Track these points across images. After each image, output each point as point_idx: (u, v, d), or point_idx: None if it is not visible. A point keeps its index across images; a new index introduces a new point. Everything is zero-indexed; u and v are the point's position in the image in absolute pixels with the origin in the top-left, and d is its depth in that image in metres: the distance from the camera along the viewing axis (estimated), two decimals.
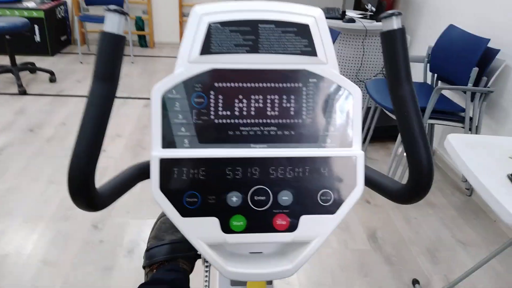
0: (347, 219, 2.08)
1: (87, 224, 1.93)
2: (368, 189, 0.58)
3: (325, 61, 0.53)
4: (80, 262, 1.70)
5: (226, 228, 0.52)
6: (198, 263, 0.91)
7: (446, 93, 2.43)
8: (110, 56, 0.48)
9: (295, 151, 0.53)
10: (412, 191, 0.53)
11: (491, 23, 2.20)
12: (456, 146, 1.18)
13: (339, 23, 2.85)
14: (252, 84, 0.52)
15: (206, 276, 0.89)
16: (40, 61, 4.04)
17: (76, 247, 1.79)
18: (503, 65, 2.02)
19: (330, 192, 0.53)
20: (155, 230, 0.93)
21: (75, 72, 3.96)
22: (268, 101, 0.53)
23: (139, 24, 4.72)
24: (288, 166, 0.53)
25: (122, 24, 0.48)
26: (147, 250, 0.87)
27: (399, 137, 2.11)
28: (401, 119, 0.52)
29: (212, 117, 0.52)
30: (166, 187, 0.51)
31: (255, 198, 0.52)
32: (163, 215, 0.95)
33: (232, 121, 0.52)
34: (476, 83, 2.04)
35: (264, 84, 0.52)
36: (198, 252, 0.88)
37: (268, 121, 0.53)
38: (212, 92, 0.52)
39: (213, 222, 0.52)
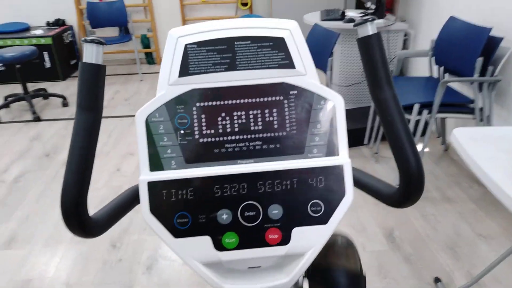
0: (362, 221, 2.06)
1: (106, 244, 1.96)
2: None
3: (304, 72, 0.53)
4: (101, 282, 1.73)
5: (219, 246, 0.53)
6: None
7: (454, 85, 2.40)
8: (91, 86, 0.50)
9: (282, 164, 0.53)
10: (404, 195, 0.52)
11: (492, 11, 2.16)
12: (462, 140, 1.16)
13: (339, 24, 2.84)
14: (233, 101, 0.53)
15: None
16: (52, 87, 4.15)
17: (96, 267, 1.82)
18: (508, 53, 1.98)
19: (320, 202, 0.53)
20: None
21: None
22: (251, 116, 0.53)
23: (145, 42, 4.80)
24: (276, 180, 0.53)
25: (100, 54, 0.50)
26: None
27: None
28: (385, 123, 0.51)
29: (196, 136, 0.53)
30: (156, 210, 0.52)
31: (245, 214, 0.53)
32: None
33: (217, 139, 0.53)
34: (482, 73, 2.01)
35: (245, 100, 0.53)
36: None
37: (253, 136, 0.53)
38: (194, 112, 0.53)
39: (205, 241, 0.53)
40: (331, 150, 0.54)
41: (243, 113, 0.53)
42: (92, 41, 0.49)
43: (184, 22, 4.80)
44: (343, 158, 0.54)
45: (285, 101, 0.53)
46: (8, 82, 4.27)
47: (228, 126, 0.53)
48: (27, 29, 4.41)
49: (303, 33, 0.53)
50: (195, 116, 0.53)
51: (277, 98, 0.53)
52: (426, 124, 2.15)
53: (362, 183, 0.58)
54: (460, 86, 2.41)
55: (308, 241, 0.53)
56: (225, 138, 0.53)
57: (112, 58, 4.92)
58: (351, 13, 3.07)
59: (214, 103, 0.53)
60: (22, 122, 3.42)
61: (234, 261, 0.55)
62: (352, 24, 2.83)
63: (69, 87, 4.24)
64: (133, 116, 3.47)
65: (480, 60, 1.97)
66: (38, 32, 4.29)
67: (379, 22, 2.89)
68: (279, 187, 0.53)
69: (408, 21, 3.07)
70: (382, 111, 0.51)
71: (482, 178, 1.05)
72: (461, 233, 1.94)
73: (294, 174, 0.53)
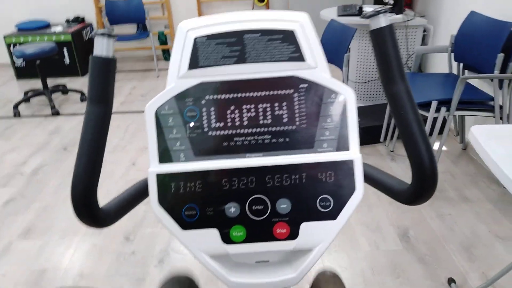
0: (376, 219, 2.03)
1: (120, 236, 1.98)
2: None
3: (314, 65, 0.52)
4: (114, 274, 1.75)
5: (227, 239, 0.53)
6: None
7: (474, 82, 2.34)
8: (101, 79, 0.50)
9: (291, 158, 0.53)
10: (416, 192, 0.51)
11: None
12: (480, 138, 1.13)
13: (356, 20, 2.81)
14: (243, 94, 0.53)
15: None
16: (71, 82, 4.22)
17: (110, 259, 1.84)
18: None
19: (329, 197, 0.52)
20: None
21: None
22: (260, 109, 0.53)
23: (162, 39, 4.83)
24: (284, 174, 0.52)
25: (111, 47, 0.50)
26: None
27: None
28: (398, 118, 0.50)
29: (205, 129, 0.53)
30: (165, 201, 0.52)
31: (253, 207, 0.52)
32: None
33: (226, 132, 0.53)
34: (503, 70, 1.95)
35: (255, 93, 0.53)
36: None
37: (262, 129, 0.53)
38: (203, 105, 0.52)
39: (213, 234, 0.52)
40: (341, 145, 0.53)
41: (252, 106, 0.53)
42: (103, 34, 0.49)
43: None
44: (354, 153, 0.53)
45: (295, 95, 0.53)
46: (29, 78, 4.36)
47: (237, 119, 0.53)
48: (47, 26, 4.50)
49: (319, 29, 0.53)
50: (204, 109, 0.52)
51: (287, 91, 0.52)
52: (444, 122, 2.11)
53: (373, 179, 0.57)
54: (479, 83, 2.35)
55: (317, 236, 0.53)
56: (234, 132, 0.53)
57: (129, 54, 4.97)
58: (369, 8, 3.03)
59: (223, 96, 0.53)
60: (42, 116, 3.49)
61: (242, 254, 0.55)
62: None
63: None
64: None
65: (501, 56, 1.92)
66: (58, 29, 4.36)
67: (398, 17, 2.85)
68: (288, 181, 0.52)
69: (427, 16, 3.01)
70: (395, 106, 0.50)
71: (500, 177, 1.02)
72: (477, 234, 1.90)
73: (303, 169, 0.52)
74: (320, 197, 0.52)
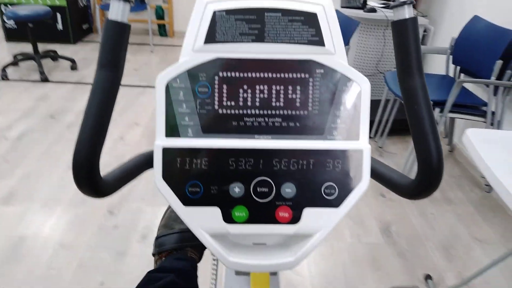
0: (360, 213, 2.06)
1: (103, 210, 1.97)
2: None
3: (333, 51, 0.51)
4: (95, 246, 1.74)
5: (228, 219, 0.52)
6: (207, 252, 0.92)
7: (469, 86, 2.36)
8: (114, 44, 0.48)
9: (300, 143, 0.52)
10: (421, 186, 0.51)
11: None
12: (474, 141, 1.15)
13: (359, 13, 2.79)
14: (257, 74, 0.52)
15: (214, 265, 0.89)
16: (62, 49, 4.11)
17: (92, 231, 1.83)
18: None
19: (334, 185, 0.52)
20: (165, 218, 0.94)
21: (96, 60, 4.01)
22: (274, 91, 0.52)
23: (159, 13, 4.74)
24: (292, 158, 0.52)
25: (126, 12, 0.48)
26: (157, 238, 0.88)
27: None
28: (411, 112, 0.50)
29: (216, 107, 0.51)
30: (168, 176, 0.51)
31: (258, 189, 0.52)
32: None
33: (236, 111, 0.52)
34: (499, 77, 1.98)
35: (270, 74, 0.52)
36: None
37: (273, 112, 0.52)
38: (216, 82, 0.51)
39: (215, 212, 0.52)
40: (351, 134, 0.52)
41: (266, 87, 0.52)
42: None
43: None
44: (363, 143, 0.53)
45: (310, 80, 0.52)
46: (19, 41, 4.24)
47: (249, 99, 0.52)
48: None
49: None
50: (216, 86, 0.51)
51: (303, 75, 0.52)
52: (436, 123, 2.13)
53: (376, 171, 0.57)
54: (474, 87, 2.38)
55: (318, 222, 0.53)
56: (244, 111, 0.52)
57: None
58: (373, 2, 3.01)
59: (237, 74, 0.51)
60: (30, 81, 3.41)
61: (241, 235, 0.55)
62: (373, 14, 2.78)
63: (79, 51, 4.20)
64: (142, 86, 3.45)
65: (499, 63, 1.94)
66: None
67: None
68: (295, 166, 0.52)
69: (429, 16, 3.01)
70: (409, 99, 0.50)
71: (491, 180, 1.04)
72: (457, 235, 1.95)
73: (311, 155, 0.52)
74: (325, 184, 0.52)
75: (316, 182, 0.52)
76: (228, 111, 0.52)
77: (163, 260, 0.84)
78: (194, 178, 0.51)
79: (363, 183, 0.52)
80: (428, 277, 1.67)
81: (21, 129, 2.64)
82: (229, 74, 0.51)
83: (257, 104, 0.52)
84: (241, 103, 0.52)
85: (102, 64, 0.48)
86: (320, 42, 0.51)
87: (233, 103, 0.52)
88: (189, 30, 0.51)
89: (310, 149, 0.52)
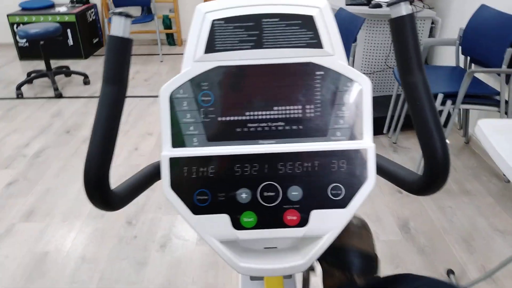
0: (377, 210, 2.04)
1: (122, 221, 1.99)
2: None
3: (332, 53, 0.52)
4: (116, 258, 1.77)
5: (237, 225, 0.53)
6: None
7: (480, 76, 2.33)
8: (117, 59, 0.50)
9: (304, 145, 0.53)
10: (428, 182, 0.51)
11: None
12: (486, 132, 1.13)
13: (365, 9, 2.78)
14: (258, 80, 0.52)
15: None
16: (74, 64, 4.19)
17: (112, 243, 1.86)
18: None
19: (340, 186, 0.52)
20: None
21: None
22: (275, 96, 0.52)
23: (167, 23, 4.79)
24: (297, 161, 0.52)
25: (127, 27, 0.50)
26: None
27: None
28: (413, 108, 0.50)
29: (219, 115, 0.52)
30: (177, 186, 0.52)
31: (265, 194, 0.52)
32: None
33: (240, 118, 0.53)
34: (510, 65, 1.94)
35: (270, 79, 0.52)
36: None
37: (276, 116, 0.53)
38: (218, 90, 0.52)
39: (224, 219, 0.53)
40: (355, 134, 0.53)
41: (267, 92, 0.52)
42: (120, 14, 0.48)
43: None
44: (367, 142, 0.53)
45: (311, 82, 0.52)
46: (32, 59, 4.34)
47: (251, 105, 0.52)
48: (52, 6, 4.45)
49: None
50: (219, 94, 0.52)
51: (303, 78, 0.52)
52: (449, 115, 2.10)
53: (383, 169, 0.57)
54: (485, 77, 2.34)
55: (327, 224, 0.53)
56: (247, 118, 0.53)
57: (133, 38, 4.92)
58: None
59: (238, 81, 0.52)
60: (44, 98, 3.48)
61: (251, 240, 0.55)
62: (379, 9, 2.76)
63: (91, 66, 4.28)
64: (153, 96, 3.49)
65: (509, 51, 1.90)
66: (62, 9, 4.32)
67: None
68: (300, 169, 0.52)
69: (436, 8, 2.98)
70: (411, 96, 0.50)
71: (505, 170, 1.02)
72: (477, 227, 1.91)
73: (315, 157, 0.52)
74: (331, 185, 0.52)
75: (322, 184, 0.52)
76: (232, 118, 0.53)
77: None
78: (202, 186, 0.52)
79: (369, 182, 0.53)
80: (450, 271, 1.65)
81: (38, 146, 2.70)
82: (230, 81, 0.52)
83: (260, 109, 0.53)
84: (244, 110, 0.52)
85: (107, 79, 0.50)
86: (319, 44, 0.52)
87: (236, 110, 0.52)
88: (189, 40, 0.52)
89: (314, 151, 0.52)
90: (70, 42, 4.36)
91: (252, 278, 0.70)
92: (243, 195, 0.52)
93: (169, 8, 4.79)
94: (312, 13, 0.51)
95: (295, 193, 0.52)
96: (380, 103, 2.77)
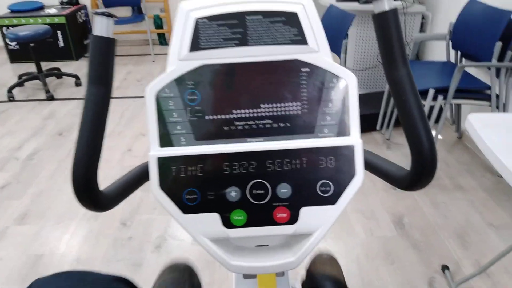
0: (372, 207, 2.05)
1: (116, 222, 1.99)
2: None
3: (317, 49, 0.52)
4: (111, 259, 1.76)
5: (227, 223, 0.53)
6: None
7: (471, 70, 2.34)
8: (101, 59, 0.49)
9: (292, 143, 0.52)
10: (416, 177, 0.51)
11: None
12: (477, 126, 1.14)
13: (355, 6, 2.78)
14: (244, 78, 0.52)
15: None
16: (65, 66, 4.17)
17: (107, 244, 1.85)
18: None
19: (329, 182, 0.52)
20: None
21: None
22: (262, 93, 0.52)
23: (158, 23, 4.77)
24: (285, 159, 0.52)
25: (110, 27, 0.49)
26: None
27: None
28: (399, 104, 0.50)
29: (206, 113, 0.52)
30: (165, 185, 0.52)
31: (254, 192, 0.52)
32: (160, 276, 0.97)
33: (227, 116, 0.52)
34: (500, 59, 1.95)
35: (256, 77, 0.52)
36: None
37: (263, 114, 0.53)
38: (204, 88, 0.52)
39: (214, 218, 0.53)
40: (342, 130, 0.53)
41: (253, 90, 0.52)
42: (102, 14, 0.48)
43: None
44: (355, 138, 0.53)
45: (297, 79, 0.52)
46: (22, 61, 4.31)
47: (238, 103, 0.52)
48: (41, 8, 4.41)
49: (319, 15, 0.52)
50: (205, 92, 0.52)
51: (289, 75, 0.52)
52: (441, 110, 2.11)
53: (372, 165, 0.57)
54: (476, 71, 2.36)
55: (316, 221, 0.53)
56: (235, 116, 0.52)
57: (124, 38, 4.91)
58: None
59: (224, 79, 0.52)
60: (36, 100, 3.46)
61: (242, 238, 0.55)
62: (369, 5, 2.77)
63: (82, 67, 4.25)
64: None
65: (499, 45, 1.92)
66: (52, 11, 4.29)
67: (397, 3, 2.81)
68: (289, 166, 0.52)
69: (427, 3, 2.99)
70: (396, 91, 0.50)
71: (496, 165, 1.03)
72: (471, 222, 1.92)
73: (303, 154, 0.52)
74: (320, 182, 0.52)
75: (310, 181, 0.52)
76: (219, 117, 0.52)
77: None
78: (191, 185, 0.52)
79: (358, 178, 0.53)
80: (445, 267, 1.65)
81: (31, 149, 2.68)
82: (216, 79, 0.52)
83: (246, 107, 0.52)
84: (231, 108, 0.52)
85: (91, 80, 0.49)
86: (303, 41, 0.51)
87: (223, 109, 0.52)
88: (174, 39, 0.52)
89: (302, 148, 0.52)
90: (61, 43, 4.33)
91: (245, 276, 0.70)
92: (233, 193, 0.52)
93: (160, 7, 4.78)
94: (296, 10, 0.51)
95: (284, 190, 0.52)
96: (372, 100, 2.78)
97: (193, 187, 0.52)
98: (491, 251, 1.74)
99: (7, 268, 1.72)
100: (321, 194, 0.52)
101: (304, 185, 0.52)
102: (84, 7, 4.64)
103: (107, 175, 2.27)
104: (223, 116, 0.52)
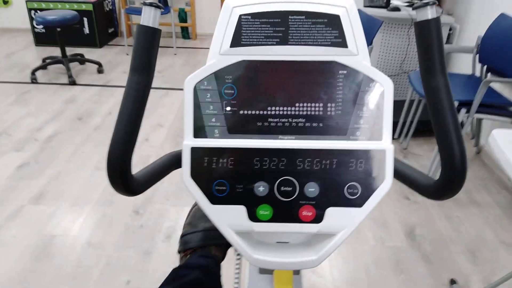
0: (384, 215, 2.04)
1: (129, 210, 2.01)
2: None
3: (356, 53, 0.52)
4: (122, 245, 1.79)
5: (253, 217, 0.54)
6: (230, 251, 0.93)
7: (496, 86, 2.31)
8: (145, 49, 0.50)
9: (323, 143, 0.53)
10: (445, 187, 0.51)
11: None
12: (500, 142, 1.13)
13: (383, 12, 2.77)
14: (281, 76, 0.53)
15: (237, 264, 0.91)
16: (89, 53, 4.23)
17: (119, 230, 1.88)
18: None
19: (357, 185, 0.53)
20: (190, 217, 0.96)
21: (122, 63, 4.10)
22: (297, 92, 0.53)
23: (182, 16, 4.81)
24: (315, 158, 0.53)
25: (157, 17, 0.50)
26: (182, 236, 0.90)
27: None
28: (434, 112, 0.50)
29: (241, 108, 0.53)
30: (196, 175, 0.53)
31: (282, 188, 0.53)
32: None
33: (261, 112, 0.53)
34: None
35: (293, 76, 0.53)
36: None
37: (297, 112, 0.53)
38: (242, 84, 0.53)
39: (240, 210, 0.53)
40: (374, 134, 0.53)
41: (289, 88, 0.53)
42: (151, 4, 0.49)
43: None
44: (386, 143, 0.53)
45: (334, 81, 0.53)
46: (47, 45, 4.39)
47: (273, 100, 0.53)
48: None
49: None
50: (242, 88, 0.53)
51: (326, 76, 0.53)
52: (462, 124, 2.09)
53: (400, 171, 0.57)
54: (501, 87, 2.32)
55: (341, 222, 0.53)
56: (268, 112, 0.53)
57: None
58: (397, 1, 2.98)
59: (262, 76, 0.53)
60: (58, 84, 3.52)
61: (265, 233, 0.56)
62: (397, 12, 2.75)
63: (106, 55, 4.31)
64: (166, 88, 3.51)
65: None
66: None
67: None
68: (318, 166, 0.53)
69: (455, 15, 2.96)
70: (432, 99, 0.50)
71: None
72: (483, 238, 1.90)
73: (334, 155, 0.53)
74: (348, 184, 0.53)
75: (339, 182, 0.53)
76: (253, 112, 0.53)
77: (188, 257, 0.86)
78: (221, 177, 0.53)
79: (386, 183, 0.53)
80: (453, 281, 1.64)
81: (51, 131, 2.73)
82: (254, 76, 0.53)
83: (281, 105, 0.53)
84: (265, 104, 0.53)
85: (134, 68, 0.51)
86: (343, 44, 0.52)
87: (258, 104, 0.53)
88: (216, 33, 0.53)
89: (333, 149, 0.53)
90: (86, 30, 4.39)
91: (262, 271, 0.71)
92: (261, 188, 0.53)
93: (186, 1, 4.81)
94: (338, 13, 0.52)
95: (312, 189, 0.53)
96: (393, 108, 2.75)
97: (223, 179, 0.53)
98: (501, 269, 1.72)
99: (21, 246, 1.75)
100: (348, 196, 0.53)
101: (332, 186, 0.53)
102: None
103: None
104: (257, 112, 0.53)
